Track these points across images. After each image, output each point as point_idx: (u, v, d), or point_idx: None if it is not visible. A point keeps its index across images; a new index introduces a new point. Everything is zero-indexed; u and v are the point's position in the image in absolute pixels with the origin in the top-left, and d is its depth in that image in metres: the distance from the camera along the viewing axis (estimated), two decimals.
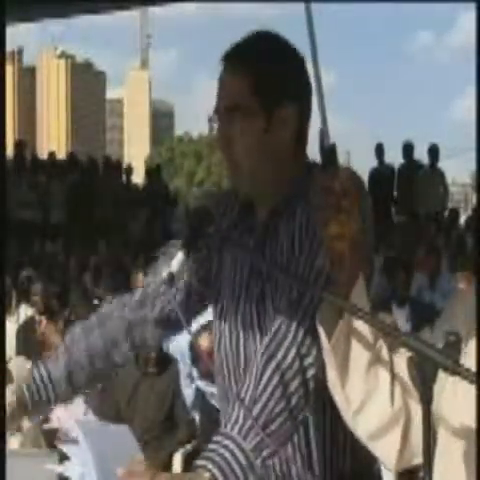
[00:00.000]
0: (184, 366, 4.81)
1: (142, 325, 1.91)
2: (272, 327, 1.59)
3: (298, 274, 1.59)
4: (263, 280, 1.72)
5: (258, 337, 1.70)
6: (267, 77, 1.66)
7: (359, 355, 1.42)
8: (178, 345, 5.27)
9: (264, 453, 1.49)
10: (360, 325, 1.40)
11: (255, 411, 1.50)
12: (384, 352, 1.43)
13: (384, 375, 1.42)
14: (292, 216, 1.68)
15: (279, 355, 1.54)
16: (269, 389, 1.52)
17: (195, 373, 4.71)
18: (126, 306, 1.92)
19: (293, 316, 1.56)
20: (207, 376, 4.43)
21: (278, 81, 1.67)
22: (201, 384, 4.68)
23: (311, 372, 1.54)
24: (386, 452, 1.45)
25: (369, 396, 1.42)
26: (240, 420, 1.50)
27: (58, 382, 1.88)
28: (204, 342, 4.18)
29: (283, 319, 1.58)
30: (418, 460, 1.41)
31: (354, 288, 1.40)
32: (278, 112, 1.67)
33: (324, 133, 1.30)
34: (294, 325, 1.56)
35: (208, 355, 4.06)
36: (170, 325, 1.90)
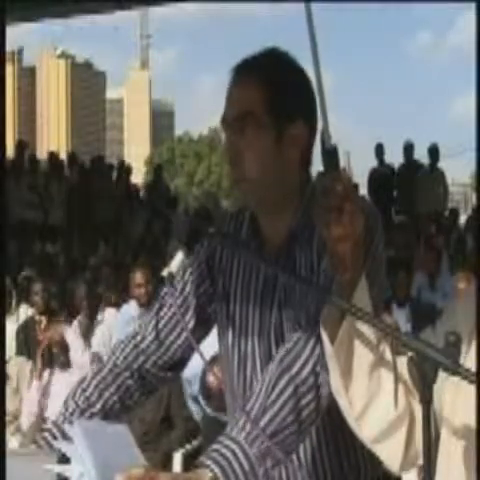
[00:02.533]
0: (190, 386, 4.62)
1: (154, 371, 1.84)
2: (289, 341, 1.58)
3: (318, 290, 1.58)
4: (279, 293, 1.72)
5: (271, 350, 1.69)
6: (282, 93, 1.67)
7: (362, 359, 1.42)
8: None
9: (268, 462, 1.48)
10: (362, 328, 1.40)
11: (263, 421, 1.49)
12: (387, 354, 1.42)
13: (387, 378, 1.41)
14: (309, 243, 1.68)
15: (294, 369, 1.53)
16: (281, 400, 1.51)
17: (201, 399, 4.56)
18: (141, 355, 1.82)
19: (312, 332, 1.54)
20: (217, 408, 4.25)
21: (292, 98, 1.68)
22: (209, 410, 4.53)
23: (325, 389, 1.52)
24: (391, 455, 1.45)
25: (372, 400, 1.42)
26: (247, 427, 1.49)
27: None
28: (213, 378, 3.99)
29: (301, 334, 1.56)
30: (422, 461, 1.41)
31: (356, 289, 1.40)
32: (290, 129, 1.67)
33: (325, 135, 1.28)
34: (312, 341, 1.54)
35: (219, 391, 3.85)
36: (181, 364, 1.88)
